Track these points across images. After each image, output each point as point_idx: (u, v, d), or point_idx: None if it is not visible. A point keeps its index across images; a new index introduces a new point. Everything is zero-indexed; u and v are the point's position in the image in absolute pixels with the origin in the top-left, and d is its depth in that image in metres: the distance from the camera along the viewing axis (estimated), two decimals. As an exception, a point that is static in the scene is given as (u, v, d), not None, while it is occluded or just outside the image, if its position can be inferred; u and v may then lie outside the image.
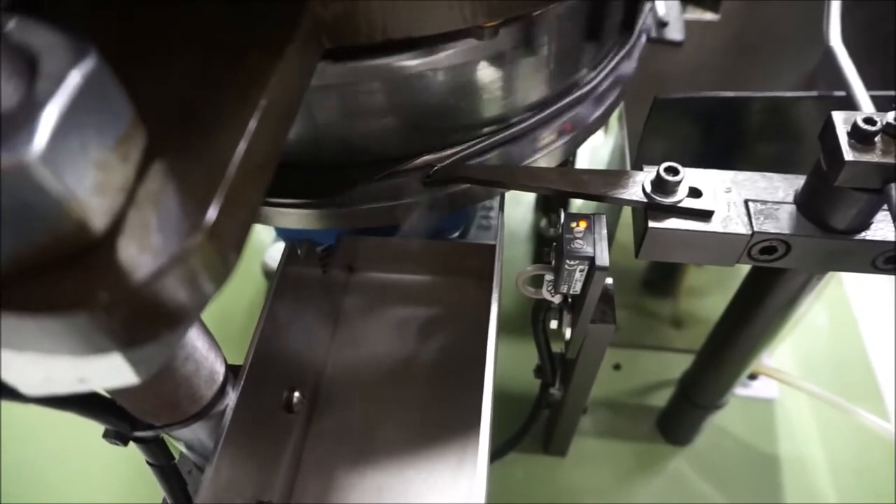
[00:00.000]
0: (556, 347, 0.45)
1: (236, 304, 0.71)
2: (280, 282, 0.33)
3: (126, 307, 0.15)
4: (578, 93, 0.37)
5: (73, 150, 0.14)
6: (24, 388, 0.18)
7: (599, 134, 0.74)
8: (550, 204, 0.68)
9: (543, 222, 0.69)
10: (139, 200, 0.16)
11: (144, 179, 0.16)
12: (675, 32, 0.50)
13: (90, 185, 0.14)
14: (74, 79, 0.14)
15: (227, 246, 0.17)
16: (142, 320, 0.15)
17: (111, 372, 0.17)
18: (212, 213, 0.16)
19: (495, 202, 0.67)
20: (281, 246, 0.71)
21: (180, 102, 0.19)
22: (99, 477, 0.59)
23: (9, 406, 0.66)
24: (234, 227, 0.17)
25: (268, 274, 0.72)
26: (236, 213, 0.17)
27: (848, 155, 0.27)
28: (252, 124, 0.18)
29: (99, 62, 0.15)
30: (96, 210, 0.15)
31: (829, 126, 0.29)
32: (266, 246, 0.73)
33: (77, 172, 0.14)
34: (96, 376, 0.18)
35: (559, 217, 0.34)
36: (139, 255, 0.15)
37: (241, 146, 0.17)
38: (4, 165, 0.12)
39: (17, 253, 0.14)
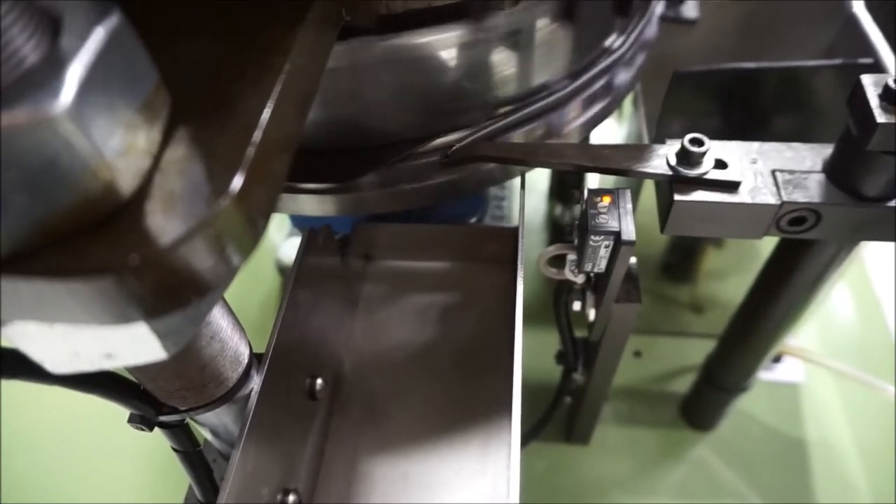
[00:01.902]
0: (578, 332, 0.45)
1: (250, 301, 0.71)
2: (300, 268, 0.33)
3: (154, 271, 0.14)
4: (594, 70, 0.36)
5: (100, 108, 0.13)
6: (52, 365, 0.18)
7: (612, 123, 0.73)
8: (564, 190, 0.68)
9: (558, 209, 0.68)
10: (165, 165, 0.16)
11: (170, 144, 0.16)
12: (688, 10, 0.50)
13: (117, 145, 0.14)
14: (99, 35, 0.13)
15: (255, 211, 0.16)
16: (170, 286, 0.15)
17: (138, 346, 0.17)
18: (239, 177, 0.16)
19: (507, 191, 0.66)
20: (294, 242, 0.71)
21: (204, 71, 0.18)
22: (100, 480, 0.59)
23: (9, 408, 0.66)
24: (261, 193, 0.17)
25: (282, 270, 0.72)
26: (263, 178, 0.17)
27: (880, 117, 0.27)
28: (277, 89, 0.17)
29: (123, 20, 0.14)
30: (123, 171, 0.14)
31: (859, 89, 0.28)
32: (278, 243, 0.73)
33: (104, 131, 0.14)
34: (123, 351, 0.17)
35: (581, 194, 0.33)
36: (167, 219, 0.15)
37: (267, 111, 0.17)
38: (30, 119, 0.12)
39: (47, 216, 0.14)
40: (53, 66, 0.13)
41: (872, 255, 0.73)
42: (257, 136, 0.16)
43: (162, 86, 0.16)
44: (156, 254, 0.14)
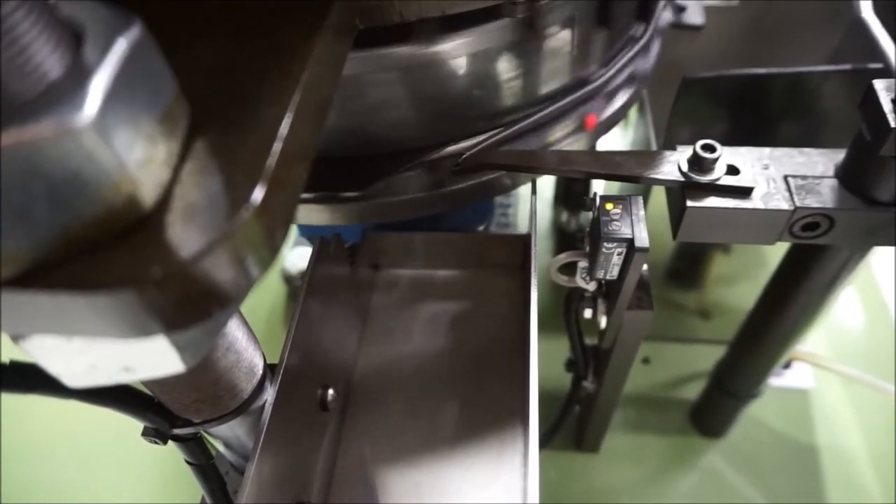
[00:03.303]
0: (588, 340, 0.44)
1: (257, 311, 0.71)
2: (312, 277, 0.33)
3: (176, 283, 0.14)
4: (604, 77, 0.36)
5: (123, 120, 0.13)
6: (69, 378, 0.18)
7: (618, 130, 0.73)
8: (571, 197, 0.68)
9: (564, 216, 0.68)
10: (185, 176, 0.16)
11: (190, 155, 0.16)
12: (694, 16, 0.50)
13: (139, 157, 0.14)
14: (121, 46, 0.13)
15: (274, 222, 0.16)
16: (191, 298, 0.15)
17: (157, 358, 0.17)
18: (260, 189, 0.16)
19: (513, 199, 0.66)
20: (299, 251, 0.71)
21: (223, 81, 0.18)
22: (108, 492, 0.59)
23: (11, 418, 0.65)
24: (280, 204, 0.17)
25: (288, 280, 0.71)
26: (283, 188, 0.17)
27: (894, 122, 0.27)
28: (296, 98, 0.17)
29: (144, 31, 0.14)
30: (145, 183, 0.14)
31: (872, 94, 0.28)
32: (284, 253, 0.73)
33: (126, 143, 0.13)
34: (142, 364, 0.17)
35: (592, 201, 0.33)
36: (188, 231, 0.15)
37: (286, 120, 0.17)
38: (55, 132, 0.12)
39: (69, 228, 0.13)
40: (77, 78, 0.13)
41: (880, 259, 0.73)
42: (277, 146, 0.16)
43: (181, 96, 0.16)
44: (178, 266, 0.14)
